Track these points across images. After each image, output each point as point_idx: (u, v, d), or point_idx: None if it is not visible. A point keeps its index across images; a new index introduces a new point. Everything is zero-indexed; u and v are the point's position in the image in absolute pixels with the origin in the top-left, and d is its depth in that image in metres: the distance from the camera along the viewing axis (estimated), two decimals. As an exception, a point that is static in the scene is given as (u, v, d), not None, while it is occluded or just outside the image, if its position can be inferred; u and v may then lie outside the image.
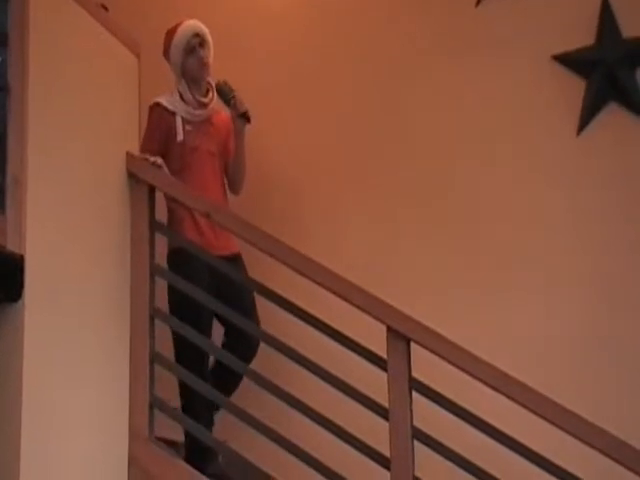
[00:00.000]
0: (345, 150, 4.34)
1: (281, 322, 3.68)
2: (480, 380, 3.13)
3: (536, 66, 4.06)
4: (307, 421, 3.34)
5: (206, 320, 3.68)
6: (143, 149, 3.89)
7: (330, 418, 3.33)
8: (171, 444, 3.51)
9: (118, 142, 3.70)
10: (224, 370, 3.60)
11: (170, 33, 4.07)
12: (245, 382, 3.50)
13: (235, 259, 3.89)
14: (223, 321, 3.75)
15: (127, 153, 3.68)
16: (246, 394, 3.58)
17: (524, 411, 3.03)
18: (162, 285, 3.60)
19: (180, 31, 4.04)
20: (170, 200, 3.80)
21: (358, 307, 3.37)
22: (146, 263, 3.59)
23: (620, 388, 3.77)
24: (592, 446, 2.92)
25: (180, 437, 3.58)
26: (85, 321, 3.37)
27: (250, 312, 3.81)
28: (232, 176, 4.11)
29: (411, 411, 3.20)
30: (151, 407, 3.46)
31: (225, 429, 3.61)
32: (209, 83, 4.09)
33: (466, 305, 4.01)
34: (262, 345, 3.70)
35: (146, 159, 3.74)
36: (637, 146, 3.91)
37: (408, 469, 3.16)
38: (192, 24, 4.06)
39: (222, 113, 4.09)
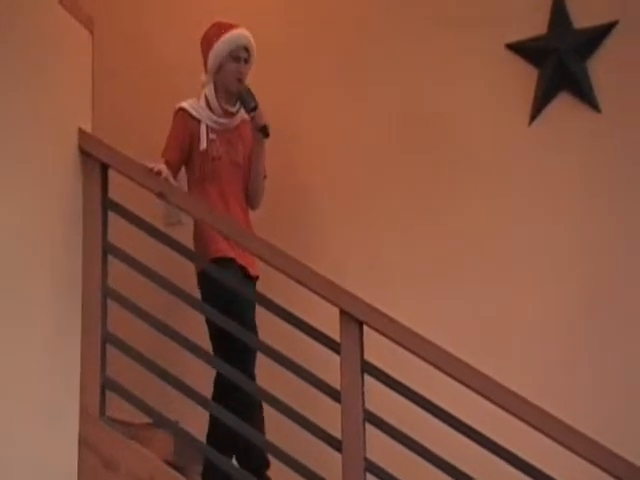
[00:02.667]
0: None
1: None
2: (431, 364, 3.17)
3: (490, 54, 4.10)
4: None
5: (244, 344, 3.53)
6: (165, 154, 3.83)
7: (282, 400, 3.34)
8: (126, 425, 3.50)
9: (70, 119, 3.65)
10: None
11: (223, 27, 3.91)
12: (198, 362, 3.49)
13: (255, 281, 3.83)
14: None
15: (79, 130, 3.64)
16: (199, 375, 3.57)
17: (476, 396, 3.08)
18: (115, 264, 3.57)
19: (233, 34, 3.89)
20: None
21: (311, 290, 3.39)
22: (98, 241, 3.56)
23: (585, 378, 3.85)
24: (544, 433, 2.99)
25: (134, 418, 3.57)
26: (35, 299, 3.34)
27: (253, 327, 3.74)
28: (250, 189, 3.97)
29: (363, 394, 3.23)
30: (103, 387, 3.45)
31: (177, 409, 3.61)
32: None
33: (433, 294, 4.06)
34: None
35: (150, 169, 3.60)
36: (586, 135, 3.97)
37: (359, 451, 3.19)
38: (246, 36, 3.92)
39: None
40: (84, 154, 3.62)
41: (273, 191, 4.09)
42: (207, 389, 3.44)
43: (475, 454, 3.18)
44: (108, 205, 3.62)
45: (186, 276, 3.68)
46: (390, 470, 3.21)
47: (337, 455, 3.21)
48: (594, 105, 3.97)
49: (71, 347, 3.46)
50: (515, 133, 4.04)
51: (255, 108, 3.82)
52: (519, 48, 4.07)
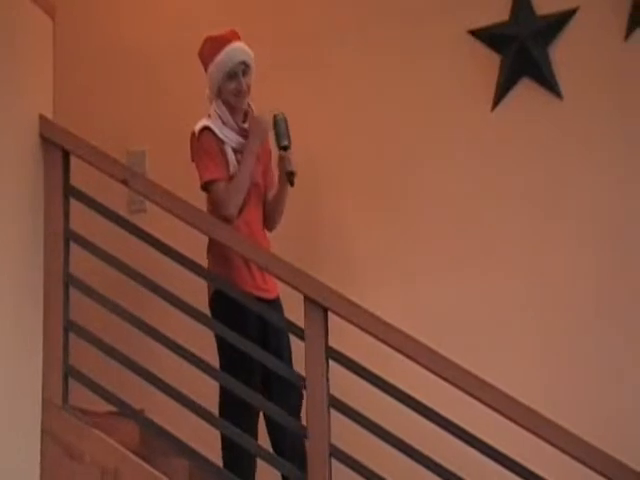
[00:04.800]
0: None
1: (200, 288, 3.67)
2: (395, 349, 3.18)
3: (452, 41, 4.11)
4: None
5: (255, 369, 3.46)
6: (209, 174, 3.62)
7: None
8: (90, 414, 3.48)
9: (31, 105, 3.61)
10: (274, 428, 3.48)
11: (214, 46, 3.70)
12: (162, 350, 3.48)
13: (277, 301, 3.69)
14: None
15: (40, 116, 3.60)
16: (163, 362, 3.56)
17: (441, 381, 3.09)
18: (77, 252, 3.54)
19: (227, 53, 3.66)
20: (219, 244, 3.54)
21: (276, 276, 3.41)
22: (60, 228, 3.54)
23: (537, 361, 3.88)
24: (510, 418, 3.00)
25: (97, 407, 3.55)
26: (-4, 287, 3.32)
27: (288, 357, 3.62)
28: (270, 214, 3.81)
29: (328, 379, 3.23)
30: (65, 376, 3.43)
31: (142, 398, 3.60)
32: (248, 105, 3.76)
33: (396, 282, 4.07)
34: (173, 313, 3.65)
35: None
36: (548, 121, 4.00)
37: (324, 437, 3.19)
38: (240, 49, 3.70)
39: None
40: (45, 141, 3.59)
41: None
42: (171, 376, 3.42)
43: (441, 439, 3.18)
44: (70, 192, 3.59)
45: (149, 263, 3.66)
46: (355, 455, 3.20)
47: (302, 441, 3.23)
48: (556, 91, 3.99)
49: (33, 335, 3.43)
50: (478, 119, 4.06)
51: (286, 147, 3.65)
52: (481, 34, 4.08)
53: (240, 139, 3.70)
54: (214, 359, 3.46)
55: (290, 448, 3.49)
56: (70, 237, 3.55)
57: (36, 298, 3.46)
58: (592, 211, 3.91)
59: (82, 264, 3.58)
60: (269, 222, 3.83)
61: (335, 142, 4.23)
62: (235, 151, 3.69)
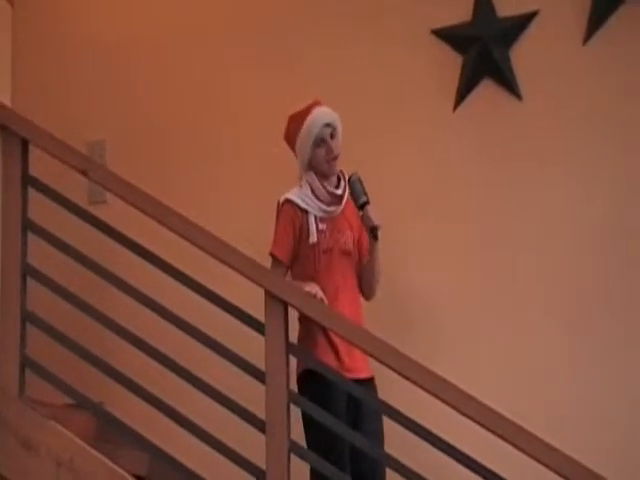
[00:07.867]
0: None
1: (164, 287, 3.64)
2: (356, 345, 3.19)
3: (415, 39, 4.14)
4: (184, 384, 3.32)
5: (342, 449, 3.40)
6: (275, 250, 3.64)
7: (207, 381, 3.33)
8: (46, 406, 3.44)
9: (-11, 93, 3.58)
10: None
11: (298, 120, 3.66)
12: (121, 342, 3.45)
13: (369, 382, 3.59)
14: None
15: (-2, 104, 3.57)
16: (122, 355, 3.54)
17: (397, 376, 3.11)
18: (35, 242, 3.50)
19: (310, 121, 3.61)
20: (305, 319, 3.50)
21: (236, 270, 3.38)
22: (18, 218, 3.48)
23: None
24: (483, 425, 2.96)
25: (58, 400, 3.51)
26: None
27: (379, 437, 3.54)
28: (365, 281, 3.74)
29: (287, 375, 3.22)
30: (22, 367, 3.39)
31: (102, 391, 3.57)
32: (340, 171, 3.71)
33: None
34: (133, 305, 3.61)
35: (314, 295, 3.43)
36: (509, 122, 4.04)
37: (283, 432, 3.18)
38: (324, 113, 3.64)
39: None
40: (3, 129, 3.53)
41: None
42: (131, 369, 3.40)
43: (396, 435, 3.21)
44: (28, 181, 3.54)
45: (109, 255, 3.63)
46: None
47: (261, 436, 3.20)
48: (516, 92, 4.03)
49: (-10, 326, 3.39)
50: (440, 118, 4.09)
51: (365, 204, 3.58)
52: (444, 34, 4.12)
53: (330, 208, 3.67)
54: (174, 353, 3.43)
55: None
56: (28, 227, 3.50)
57: (-7, 288, 3.42)
58: (550, 211, 3.95)
59: (40, 255, 3.53)
60: (366, 289, 3.75)
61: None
62: (320, 219, 3.66)
